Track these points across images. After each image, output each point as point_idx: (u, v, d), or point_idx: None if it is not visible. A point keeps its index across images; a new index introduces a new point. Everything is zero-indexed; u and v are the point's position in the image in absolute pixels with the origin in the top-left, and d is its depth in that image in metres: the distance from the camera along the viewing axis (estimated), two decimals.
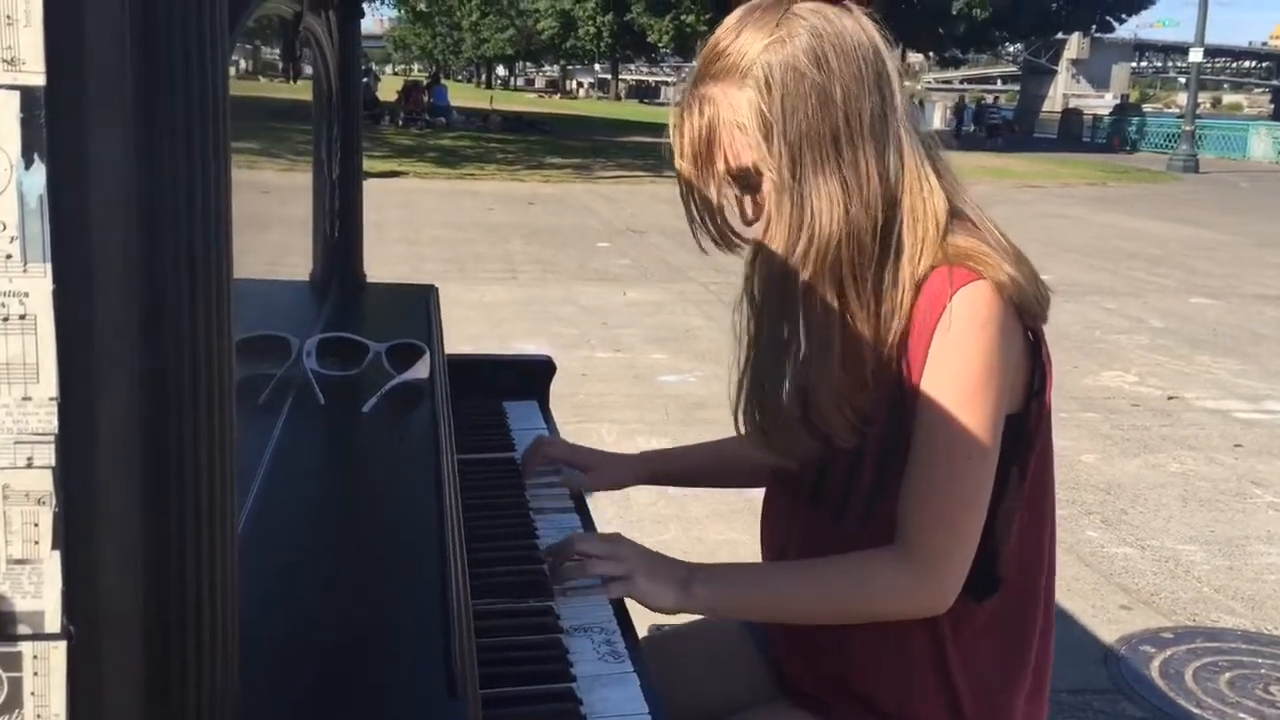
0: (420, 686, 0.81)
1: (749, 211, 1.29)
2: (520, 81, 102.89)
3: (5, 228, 0.51)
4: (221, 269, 0.57)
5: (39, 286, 0.52)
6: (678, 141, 1.28)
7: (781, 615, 1.39)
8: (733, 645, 1.56)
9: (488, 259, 9.62)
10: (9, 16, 0.49)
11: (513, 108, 37.00)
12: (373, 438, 1.40)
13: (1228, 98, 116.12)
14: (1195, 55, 27.40)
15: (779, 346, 1.29)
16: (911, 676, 1.34)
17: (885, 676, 1.35)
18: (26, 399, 0.52)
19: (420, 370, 1.53)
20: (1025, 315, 1.24)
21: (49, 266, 0.52)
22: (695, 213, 1.32)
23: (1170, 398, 6.01)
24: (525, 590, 1.33)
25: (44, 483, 0.53)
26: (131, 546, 0.55)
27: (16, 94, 0.50)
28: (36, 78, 0.50)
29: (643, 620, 1.41)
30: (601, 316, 7.39)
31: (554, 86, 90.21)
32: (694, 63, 1.31)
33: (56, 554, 0.54)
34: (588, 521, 1.62)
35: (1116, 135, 37.30)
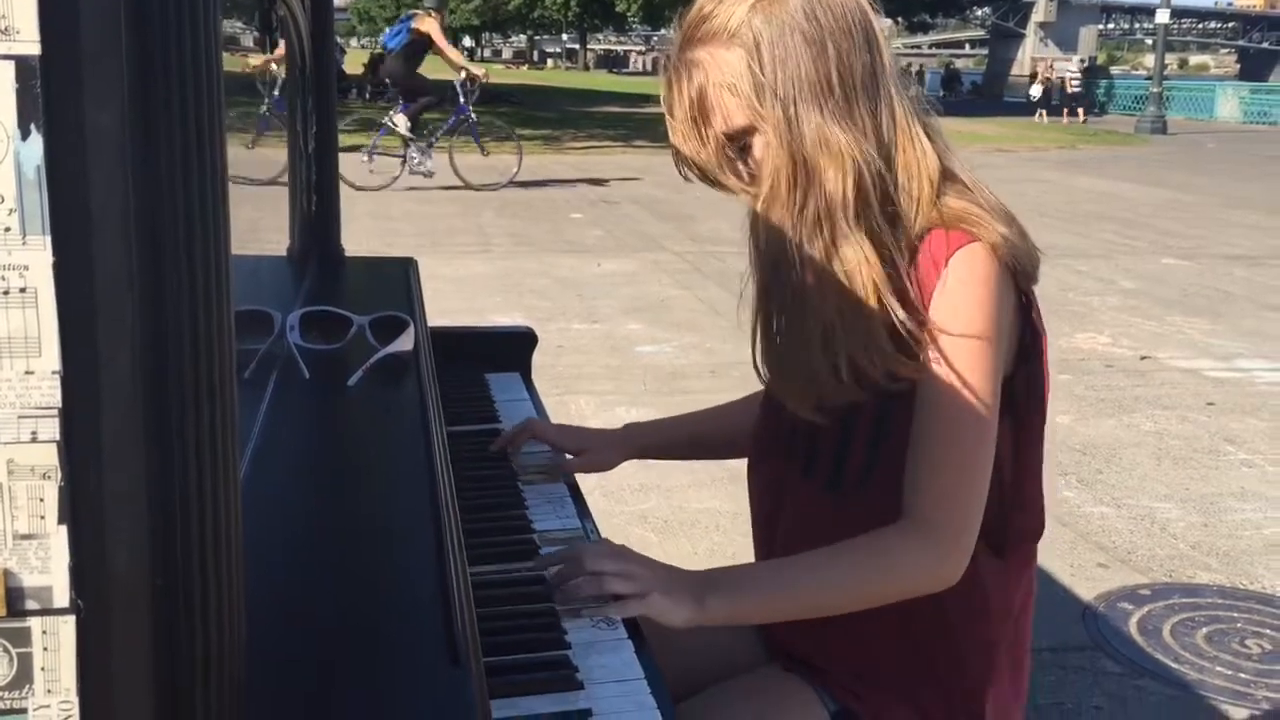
0: (423, 657, 0.81)
1: (745, 176, 1.28)
2: (487, 53, 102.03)
3: (3, 200, 0.50)
4: (220, 237, 0.56)
5: (39, 259, 0.51)
6: (669, 110, 1.27)
7: (802, 612, 1.32)
8: None
9: (460, 232, 9.57)
10: None
11: None
12: (360, 411, 1.40)
13: (1194, 58, 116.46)
14: (1162, 16, 27.46)
15: (785, 298, 1.28)
16: (903, 641, 1.34)
17: (877, 641, 1.34)
18: (29, 373, 0.52)
19: (405, 343, 1.53)
20: (1019, 276, 1.24)
21: (48, 239, 0.51)
22: (692, 178, 1.31)
23: (1143, 358, 6.06)
24: (517, 560, 1.33)
25: (49, 457, 0.53)
26: (138, 518, 0.55)
27: (11, 64, 0.49)
28: (31, 47, 0.49)
29: None
30: (577, 288, 7.38)
31: (521, 57, 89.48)
32: (676, 29, 1.29)
33: (63, 528, 0.54)
34: (575, 491, 1.62)
35: (1086, 98, 37.38)
